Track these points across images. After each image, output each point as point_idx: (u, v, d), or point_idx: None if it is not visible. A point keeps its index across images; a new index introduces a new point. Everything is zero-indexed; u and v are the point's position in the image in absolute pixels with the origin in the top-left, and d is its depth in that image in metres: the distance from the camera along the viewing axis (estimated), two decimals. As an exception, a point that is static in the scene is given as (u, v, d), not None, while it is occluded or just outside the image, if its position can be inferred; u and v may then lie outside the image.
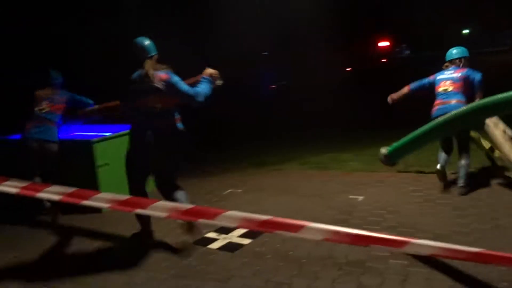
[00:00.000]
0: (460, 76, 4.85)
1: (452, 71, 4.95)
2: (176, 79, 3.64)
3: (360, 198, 4.89)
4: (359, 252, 3.47)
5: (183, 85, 3.63)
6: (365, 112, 10.82)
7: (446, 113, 4.42)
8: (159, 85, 3.57)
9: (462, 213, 4.21)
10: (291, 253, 3.63)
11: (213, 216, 1.63)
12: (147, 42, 3.82)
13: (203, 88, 3.68)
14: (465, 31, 46.75)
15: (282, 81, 21.12)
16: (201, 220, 1.67)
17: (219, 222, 1.65)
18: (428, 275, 3.12)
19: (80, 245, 4.16)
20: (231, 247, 3.84)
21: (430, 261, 3.27)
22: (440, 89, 4.89)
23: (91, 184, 4.81)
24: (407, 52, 40.30)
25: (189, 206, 1.73)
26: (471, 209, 4.28)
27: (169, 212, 1.73)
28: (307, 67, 23.31)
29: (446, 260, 3.22)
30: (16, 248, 4.21)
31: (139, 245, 4.01)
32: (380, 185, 5.31)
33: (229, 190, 5.53)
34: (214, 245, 3.90)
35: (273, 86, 20.57)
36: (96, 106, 5.11)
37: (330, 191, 5.26)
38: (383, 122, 9.04)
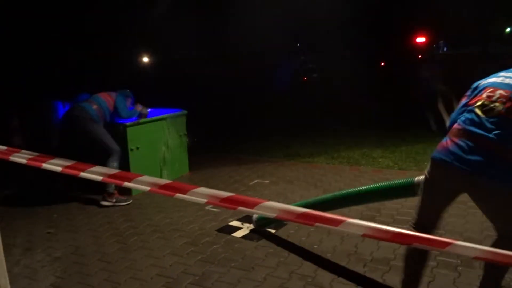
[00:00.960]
0: None
1: None
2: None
3: (390, 195, 4.80)
4: (385, 250, 3.44)
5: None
6: (397, 111, 10.61)
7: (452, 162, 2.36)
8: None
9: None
10: (315, 246, 3.63)
11: (252, 205, 1.64)
12: None
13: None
14: (508, 30, 45.00)
15: (313, 73, 20.89)
16: (240, 208, 1.68)
17: (257, 211, 1.66)
18: (456, 279, 3.05)
19: (108, 226, 4.28)
20: (255, 237, 3.86)
21: (460, 265, 3.22)
22: (479, 102, 2.39)
23: (123, 166, 4.92)
24: (445, 49, 39.03)
25: (229, 194, 1.74)
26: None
27: (209, 198, 1.74)
28: (340, 61, 22.99)
29: (475, 265, 3.16)
30: (50, 225, 4.37)
31: (167, 229, 4.09)
32: (410, 183, 5.20)
33: (256, 181, 5.55)
34: (238, 234, 3.94)
35: (305, 78, 20.39)
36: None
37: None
38: (414, 122, 8.84)
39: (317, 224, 1.55)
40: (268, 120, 10.21)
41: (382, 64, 27.26)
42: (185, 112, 6.07)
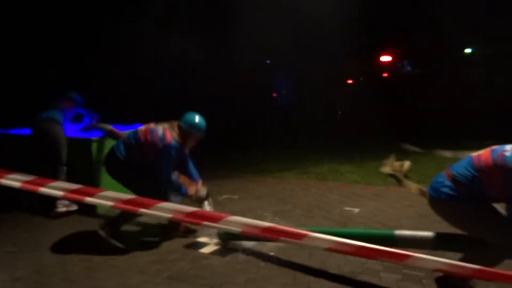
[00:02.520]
0: None
1: None
2: None
3: (356, 210, 4.90)
4: (352, 265, 3.48)
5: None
6: (365, 126, 10.89)
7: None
8: None
9: (456, 231, 4.21)
10: (283, 259, 3.63)
11: (217, 220, 1.64)
12: None
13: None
14: (468, 51, 47.08)
15: (284, 90, 21.20)
16: (205, 223, 1.67)
17: (223, 226, 1.66)
18: (421, 291, 3.13)
19: (74, 244, 4.15)
20: (223, 253, 3.83)
21: (424, 277, 3.29)
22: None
23: (90, 182, 4.80)
24: (409, 68, 40.39)
25: (193, 208, 1.73)
26: (467, 227, 4.28)
27: (173, 214, 1.73)
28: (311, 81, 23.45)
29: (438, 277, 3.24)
30: (9, 243, 4.20)
31: (133, 246, 4.00)
32: (376, 198, 5.32)
33: (225, 196, 5.53)
34: (206, 250, 3.90)
35: (275, 95, 20.63)
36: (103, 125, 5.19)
37: (327, 202, 5.27)
38: (382, 136, 9.09)
39: (281, 238, 1.57)
40: (238, 135, 10.25)
41: (350, 81, 27.92)
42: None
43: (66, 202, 4.78)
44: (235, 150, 8.27)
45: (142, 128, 4.08)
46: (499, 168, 2.72)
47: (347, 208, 4.98)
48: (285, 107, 15.97)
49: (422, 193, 5.24)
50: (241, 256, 3.76)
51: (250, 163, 7.25)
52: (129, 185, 4.00)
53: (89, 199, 1.84)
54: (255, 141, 9.37)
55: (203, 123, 4.12)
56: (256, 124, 11.57)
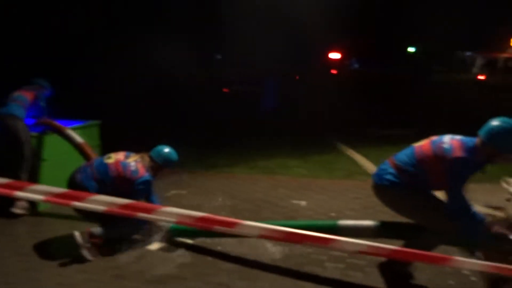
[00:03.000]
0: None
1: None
2: None
3: (303, 203, 5.01)
4: (298, 257, 3.56)
5: None
6: (314, 121, 11.11)
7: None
8: None
9: (399, 219, 4.41)
10: (231, 254, 3.65)
11: (150, 211, 1.62)
12: None
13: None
14: (411, 50, 49.23)
15: (235, 86, 21.14)
16: (139, 215, 1.64)
17: (156, 216, 1.63)
18: (363, 279, 3.25)
19: (13, 244, 3.94)
20: (169, 248, 3.79)
21: (367, 265, 3.43)
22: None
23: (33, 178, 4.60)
24: (356, 65, 41.68)
25: (127, 201, 1.69)
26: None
27: (107, 206, 1.68)
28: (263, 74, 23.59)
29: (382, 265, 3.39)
30: None
31: (75, 243, 3.85)
32: (323, 191, 5.46)
33: (174, 192, 5.46)
34: (153, 246, 3.83)
35: (226, 90, 20.55)
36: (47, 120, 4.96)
37: (275, 195, 5.34)
38: (331, 131, 9.34)
39: (215, 227, 1.58)
40: (187, 130, 10.12)
41: (297, 77, 28.37)
42: (97, 122, 5.82)
43: (25, 205, 4.52)
44: (184, 145, 8.15)
45: (111, 161, 3.87)
46: (438, 159, 2.90)
47: (295, 201, 5.08)
48: (237, 103, 15.96)
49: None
50: (188, 252, 3.73)
51: (199, 158, 7.16)
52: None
53: (19, 194, 1.75)
54: (205, 136, 9.29)
55: (176, 156, 4.16)
56: (206, 120, 11.47)
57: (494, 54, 32.15)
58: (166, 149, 4.11)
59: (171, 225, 3.77)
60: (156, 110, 12.89)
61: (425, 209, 3.00)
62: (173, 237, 3.88)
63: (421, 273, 3.21)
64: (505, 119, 2.84)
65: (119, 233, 3.74)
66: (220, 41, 24.15)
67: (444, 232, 2.89)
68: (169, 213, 1.61)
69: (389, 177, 3.06)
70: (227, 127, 10.41)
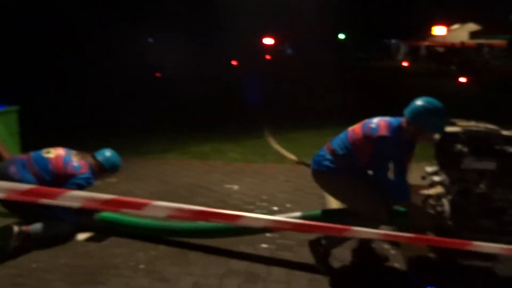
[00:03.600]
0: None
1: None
2: None
3: (236, 187, 5.05)
4: (231, 238, 3.60)
5: None
6: (249, 105, 11.19)
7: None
8: None
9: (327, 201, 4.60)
10: (162, 239, 3.62)
11: (54, 196, 1.54)
12: None
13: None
14: (342, 36, 50.92)
15: (169, 71, 20.67)
16: (41, 200, 1.55)
17: (61, 202, 1.56)
18: (292, 258, 3.38)
19: None
20: (100, 238, 3.69)
21: (295, 245, 3.55)
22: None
23: None
24: (290, 51, 42.36)
25: (28, 186, 1.61)
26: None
27: (6, 194, 1.57)
28: (195, 59, 23.29)
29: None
30: None
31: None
32: (256, 175, 5.53)
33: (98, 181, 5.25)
34: (82, 236, 3.71)
35: (158, 75, 20.02)
36: None
37: (208, 180, 5.33)
38: (264, 115, 9.46)
39: (122, 209, 1.56)
40: (119, 117, 9.77)
41: (234, 63, 28.34)
42: (16, 108, 5.44)
43: None
44: (115, 132, 7.87)
45: (51, 155, 3.66)
46: (367, 139, 3.00)
47: (227, 186, 5.11)
48: (170, 88, 15.62)
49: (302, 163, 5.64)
50: (118, 240, 3.65)
51: (132, 144, 6.96)
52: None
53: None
54: (138, 122, 9.03)
55: (120, 162, 4.06)
56: (139, 106, 11.14)
57: (416, 42, 34.21)
58: (113, 154, 4.00)
59: (99, 215, 3.68)
60: (87, 95, 12.34)
61: (359, 197, 3.06)
62: (105, 228, 3.77)
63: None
64: (428, 98, 2.93)
65: (53, 230, 3.56)
66: (152, 25, 23.46)
67: (375, 219, 2.96)
68: (74, 197, 1.54)
69: (326, 163, 3.11)
70: (160, 113, 10.20)
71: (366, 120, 3.15)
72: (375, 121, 3.07)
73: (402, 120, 2.98)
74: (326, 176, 3.16)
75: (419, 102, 2.92)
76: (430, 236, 2.71)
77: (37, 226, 3.48)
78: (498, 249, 2.23)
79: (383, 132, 2.95)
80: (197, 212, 1.59)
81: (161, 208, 1.57)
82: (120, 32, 19.38)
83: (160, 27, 23.48)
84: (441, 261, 2.94)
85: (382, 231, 2.57)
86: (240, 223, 1.70)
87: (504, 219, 2.84)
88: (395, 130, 2.96)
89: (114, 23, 18.84)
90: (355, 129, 3.13)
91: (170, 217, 1.63)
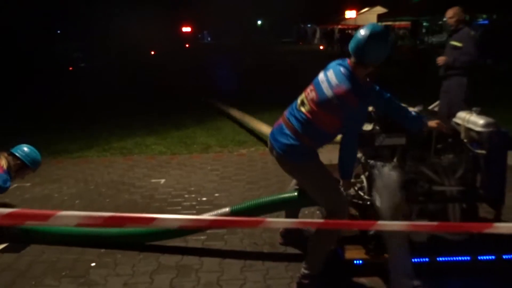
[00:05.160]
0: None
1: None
2: None
3: (162, 181, 4.95)
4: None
5: None
6: (168, 96, 10.96)
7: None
8: None
9: (254, 186, 4.67)
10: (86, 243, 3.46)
11: None
12: None
13: None
14: (259, 22, 51.50)
15: (81, 63, 19.57)
16: None
17: None
18: (223, 247, 3.40)
19: None
20: (18, 248, 3.44)
21: (226, 234, 3.57)
22: (302, 95, 2.84)
23: None
24: (209, 38, 42.01)
25: None
26: (262, 182, 4.79)
27: None
28: (112, 50, 22.28)
29: (237, 231, 3.57)
30: None
31: None
32: (182, 167, 5.45)
33: (15, 185, 4.88)
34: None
35: (71, 68, 18.88)
36: None
37: (133, 176, 5.16)
38: (180, 108, 9.34)
39: (26, 222, 1.46)
40: (29, 114, 9.08)
41: (153, 52, 27.54)
42: None
43: None
44: (27, 132, 7.30)
45: None
46: (324, 101, 2.65)
47: (154, 180, 4.98)
48: (85, 81, 14.83)
49: None
50: (37, 248, 3.42)
51: (46, 144, 6.48)
52: None
53: None
54: (51, 120, 8.46)
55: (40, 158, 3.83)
56: (51, 102, 10.45)
57: (330, 26, 35.57)
58: (32, 148, 3.74)
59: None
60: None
61: (324, 187, 2.79)
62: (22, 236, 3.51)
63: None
64: (370, 25, 2.64)
65: None
66: (62, 15, 21.98)
67: (337, 211, 2.72)
68: None
69: (288, 141, 2.73)
70: (75, 108, 9.64)
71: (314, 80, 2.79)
72: (322, 77, 2.72)
73: (348, 64, 2.68)
74: (290, 162, 2.81)
75: (360, 34, 2.58)
76: (346, 221, 2.72)
77: None
78: (400, 226, 2.34)
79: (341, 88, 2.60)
80: (108, 218, 1.51)
81: (69, 217, 1.48)
82: (25, 25, 17.94)
83: (70, 19, 22.11)
84: (364, 235, 3.10)
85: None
86: (155, 225, 1.64)
87: (416, 189, 3.07)
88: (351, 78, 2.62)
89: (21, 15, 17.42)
90: (306, 95, 2.76)
91: (80, 225, 1.54)
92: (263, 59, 20.81)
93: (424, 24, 26.25)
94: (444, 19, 5.47)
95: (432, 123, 2.88)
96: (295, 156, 2.75)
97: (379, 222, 2.22)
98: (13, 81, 13.70)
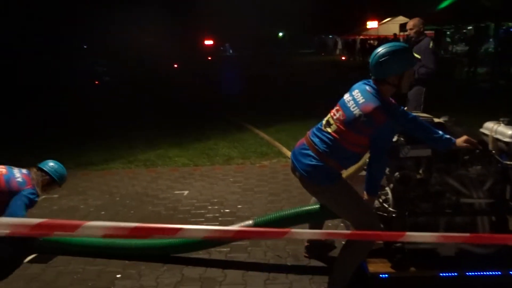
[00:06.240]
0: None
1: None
2: None
3: (186, 192, 4.98)
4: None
5: None
6: (192, 107, 11.09)
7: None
8: None
9: (276, 198, 4.66)
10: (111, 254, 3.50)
11: None
12: None
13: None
14: (281, 34, 51.81)
15: (106, 77, 20.00)
16: None
17: None
18: (247, 258, 3.38)
19: None
20: (44, 258, 3.51)
21: (248, 245, 3.56)
22: (328, 116, 2.85)
23: None
24: (231, 51, 42.45)
25: None
26: (284, 194, 4.77)
27: None
28: (137, 64, 22.77)
29: (261, 243, 3.55)
30: None
31: None
32: (204, 178, 5.48)
33: (43, 196, 4.99)
34: (25, 258, 3.52)
35: (97, 82, 19.32)
36: None
37: (157, 188, 5.22)
38: (207, 119, 9.43)
39: (55, 232, 1.49)
40: (54, 126, 9.33)
41: (176, 65, 27.95)
42: None
43: None
44: (54, 143, 7.49)
45: None
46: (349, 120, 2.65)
47: (177, 192, 5.02)
48: (109, 94, 15.15)
49: None
50: (64, 258, 3.49)
51: (72, 156, 6.64)
52: None
53: None
54: (77, 132, 8.66)
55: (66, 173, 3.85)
56: (78, 114, 10.71)
57: (352, 37, 35.44)
58: (59, 164, 3.79)
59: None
60: (16, 108, 11.68)
61: (352, 207, 2.76)
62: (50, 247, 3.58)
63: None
64: (383, 47, 2.71)
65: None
66: (87, 32, 22.66)
67: (366, 226, 2.65)
68: (1, 225, 1.44)
69: (309, 161, 2.71)
70: (100, 120, 9.85)
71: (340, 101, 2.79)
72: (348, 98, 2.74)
73: (373, 82, 2.72)
74: (315, 185, 2.77)
75: (380, 52, 2.67)
76: (367, 232, 2.64)
77: None
78: (430, 237, 2.28)
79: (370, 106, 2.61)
80: (134, 229, 1.53)
81: (96, 228, 1.50)
82: (53, 39, 18.55)
83: (94, 35, 22.75)
84: (389, 248, 3.04)
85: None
86: (180, 235, 1.64)
87: (442, 201, 3.00)
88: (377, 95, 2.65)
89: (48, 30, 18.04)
90: (333, 115, 2.76)
91: (107, 236, 1.56)
92: (286, 70, 20.86)
93: (448, 33, 25.90)
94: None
95: (461, 142, 2.76)
96: (319, 177, 2.71)
97: (408, 233, 2.16)
98: (41, 94, 14.11)
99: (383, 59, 2.64)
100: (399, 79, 2.69)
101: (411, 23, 5.73)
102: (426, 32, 5.99)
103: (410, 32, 5.77)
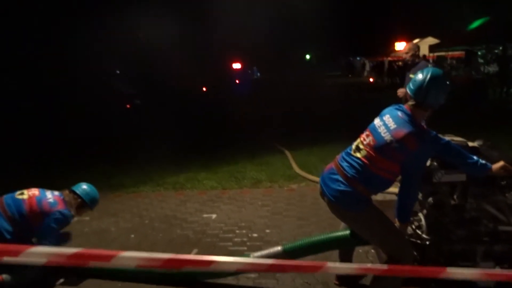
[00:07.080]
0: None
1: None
2: None
3: (214, 216, 4.98)
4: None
5: None
6: (219, 131, 11.18)
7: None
8: None
9: (305, 223, 4.59)
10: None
11: (16, 253, 1.46)
12: None
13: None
14: (308, 56, 52.08)
15: (137, 100, 20.49)
16: (5, 259, 1.47)
17: (25, 259, 1.47)
18: (276, 285, 3.32)
19: None
20: (74, 281, 3.57)
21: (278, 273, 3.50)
22: (357, 140, 2.79)
23: None
24: (258, 74, 42.95)
25: None
26: (313, 218, 4.70)
27: None
28: (167, 87, 23.28)
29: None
30: None
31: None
32: (233, 201, 5.48)
33: (75, 218, 5.09)
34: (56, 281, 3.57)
35: (128, 106, 19.81)
36: None
37: (185, 211, 5.24)
38: (235, 142, 9.47)
39: (90, 262, 1.51)
40: (87, 148, 9.58)
41: (204, 89, 28.43)
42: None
43: None
44: (84, 165, 7.68)
45: (25, 197, 3.55)
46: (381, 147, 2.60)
47: (205, 215, 5.03)
48: (140, 118, 15.51)
49: None
50: (93, 282, 3.52)
51: (102, 178, 6.79)
52: None
53: None
54: (108, 154, 8.86)
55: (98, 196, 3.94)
56: (109, 137, 10.98)
57: (380, 58, 35.27)
58: (92, 187, 3.89)
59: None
60: (52, 130, 12.07)
61: (382, 234, 2.68)
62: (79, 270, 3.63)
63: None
64: (425, 70, 2.66)
65: (25, 278, 3.40)
66: (119, 56, 23.42)
67: (400, 257, 2.61)
68: (37, 254, 1.47)
69: (337, 186, 2.66)
70: (131, 143, 10.05)
71: (371, 125, 2.74)
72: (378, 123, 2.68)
73: (406, 108, 2.65)
74: (346, 213, 2.72)
75: (421, 76, 2.60)
76: (405, 266, 2.52)
77: (9, 275, 3.33)
78: (473, 274, 2.15)
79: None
80: (168, 260, 1.53)
81: (129, 258, 1.51)
82: (85, 65, 19.28)
83: (126, 60, 23.46)
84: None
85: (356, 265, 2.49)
86: (213, 268, 1.63)
87: (479, 228, 2.89)
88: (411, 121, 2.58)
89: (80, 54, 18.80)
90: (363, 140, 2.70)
91: (140, 267, 1.57)
92: (315, 93, 20.87)
93: (479, 53, 25.42)
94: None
95: (498, 168, 2.64)
96: (348, 203, 2.65)
97: (449, 269, 2.05)
98: (77, 117, 14.56)
99: (432, 83, 2.57)
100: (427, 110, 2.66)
101: (406, 47, 5.98)
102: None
103: (406, 56, 5.95)
